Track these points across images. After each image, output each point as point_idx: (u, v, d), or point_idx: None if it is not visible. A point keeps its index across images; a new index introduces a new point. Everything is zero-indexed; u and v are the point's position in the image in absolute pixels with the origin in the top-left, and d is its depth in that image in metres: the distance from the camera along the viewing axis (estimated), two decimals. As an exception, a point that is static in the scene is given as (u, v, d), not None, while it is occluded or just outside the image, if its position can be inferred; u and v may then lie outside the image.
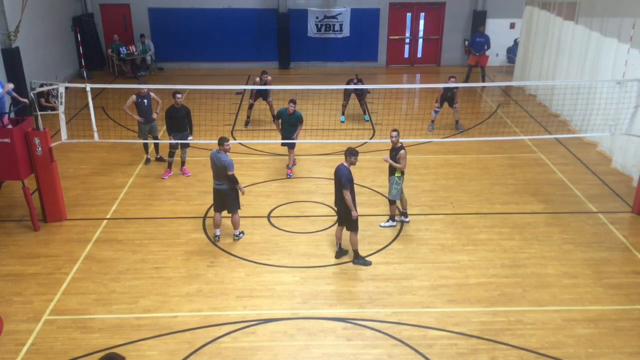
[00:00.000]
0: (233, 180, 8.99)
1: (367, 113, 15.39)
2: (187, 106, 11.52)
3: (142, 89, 11.83)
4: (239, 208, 9.35)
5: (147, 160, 12.40)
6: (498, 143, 12.97)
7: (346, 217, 8.55)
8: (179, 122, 11.34)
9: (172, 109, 11.27)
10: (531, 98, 17.12)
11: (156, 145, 12.57)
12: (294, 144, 11.63)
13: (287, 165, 11.76)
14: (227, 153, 8.98)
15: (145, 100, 11.83)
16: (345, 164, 8.39)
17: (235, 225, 9.38)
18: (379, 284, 8.24)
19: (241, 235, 9.49)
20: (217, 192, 9.19)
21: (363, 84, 15.20)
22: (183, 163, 11.96)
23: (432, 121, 14.44)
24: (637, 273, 8.54)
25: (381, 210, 10.34)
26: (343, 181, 8.21)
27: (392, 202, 9.76)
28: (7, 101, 10.79)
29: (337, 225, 9.03)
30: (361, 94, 15.03)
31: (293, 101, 11.47)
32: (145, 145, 12.46)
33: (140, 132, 12.11)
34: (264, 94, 14.28)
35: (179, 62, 20.80)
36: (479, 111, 16.16)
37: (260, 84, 13.93)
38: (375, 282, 8.31)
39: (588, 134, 12.98)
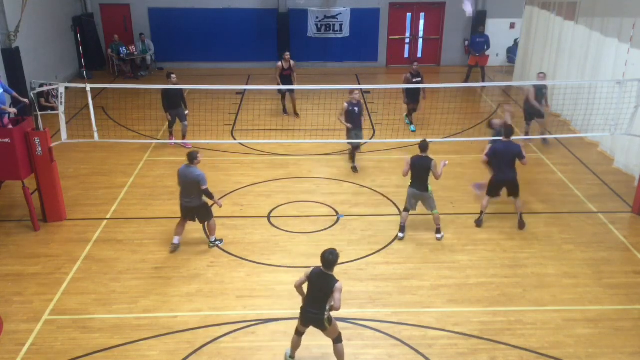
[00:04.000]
0: (208, 195, 8.67)
1: (411, 121, 14.49)
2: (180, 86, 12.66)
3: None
4: (212, 215, 9.02)
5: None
6: (498, 143, 12.95)
7: (517, 187, 9.48)
8: (175, 99, 12.59)
9: (167, 88, 12.40)
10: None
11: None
12: None
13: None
14: (198, 166, 8.71)
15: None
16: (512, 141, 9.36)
17: (212, 231, 9.06)
18: (379, 284, 8.24)
19: (217, 242, 9.15)
20: (185, 209, 8.84)
21: (422, 77, 14.16)
22: (184, 136, 12.97)
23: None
24: (637, 273, 8.54)
25: (381, 210, 10.34)
26: (524, 153, 9.31)
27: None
28: (7, 100, 10.79)
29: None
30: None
31: None
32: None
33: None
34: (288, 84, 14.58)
35: (179, 62, 20.76)
36: (479, 111, 16.16)
37: (284, 66, 14.64)
38: (375, 282, 8.31)
39: (588, 134, 12.97)
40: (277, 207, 10.48)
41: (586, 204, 10.60)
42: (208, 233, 9.15)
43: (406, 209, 9.46)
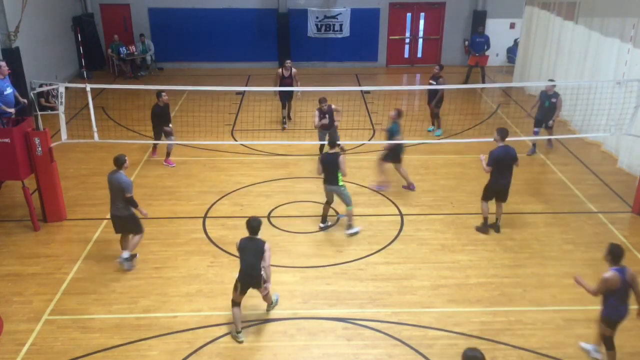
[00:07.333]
0: (131, 203, 8.20)
1: (436, 123, 14.07)
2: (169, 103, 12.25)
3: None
4: (143, 231, 8.56)
5: None
6: (498, 143, 12.97)
7: (508, 192, 9.42)
8: (166, 118, 12.06)
9: (157, 107, 11.91)
10: (531, 98, 17.08)
11: None
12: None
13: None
14: (126, 172, 8.32)
15: None
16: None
17: (131, 246, 8.49)
18: (379, 284, 8.24)
19: (127, 264, 8.47)
20: (115, 219, 8.39)
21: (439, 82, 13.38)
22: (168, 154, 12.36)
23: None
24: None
25: (381, 210, 10.34)
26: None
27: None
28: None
29: (494, 201, 9.51)
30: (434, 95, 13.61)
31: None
32: None
33: None
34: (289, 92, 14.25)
35: (179, 62, 20.79)
36: (479, 111, 16.16)
37: (284, 74, 14.08)
38: (375, 282, 8.31)
39: (588, 134, 12.97)
40: (277, 207, 10.48)
41: (586, 204, 10.60)
42: (126, 246, 8.52)
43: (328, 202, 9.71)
